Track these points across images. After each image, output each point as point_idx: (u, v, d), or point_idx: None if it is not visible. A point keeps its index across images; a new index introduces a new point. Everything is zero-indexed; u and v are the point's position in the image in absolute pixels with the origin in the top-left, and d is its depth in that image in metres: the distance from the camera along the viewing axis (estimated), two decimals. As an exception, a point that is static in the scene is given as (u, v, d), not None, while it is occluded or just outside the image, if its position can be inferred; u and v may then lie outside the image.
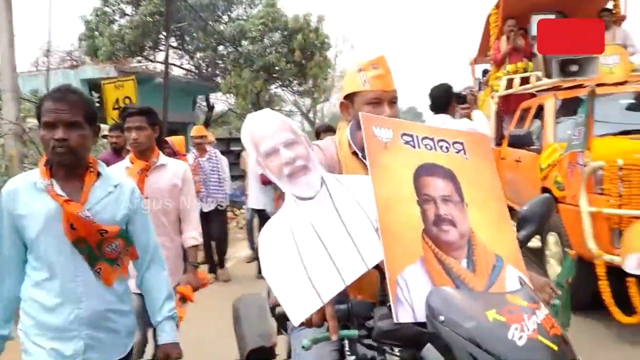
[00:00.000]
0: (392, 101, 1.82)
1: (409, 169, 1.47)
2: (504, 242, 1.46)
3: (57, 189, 1.83)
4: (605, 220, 3.68)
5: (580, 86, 5.73)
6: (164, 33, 17.87)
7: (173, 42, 19.78)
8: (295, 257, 1.44)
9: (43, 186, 1.83)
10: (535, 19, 5.65)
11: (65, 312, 1.84)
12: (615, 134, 4.72)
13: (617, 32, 6.91)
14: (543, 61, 5.86)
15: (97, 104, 4.27)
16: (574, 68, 5.51)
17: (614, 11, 7.27)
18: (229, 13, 21.43)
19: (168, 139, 5.34)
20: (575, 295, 4.25)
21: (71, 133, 1.78)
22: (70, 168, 1.87)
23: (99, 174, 1.93)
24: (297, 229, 1.48)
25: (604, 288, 3.69)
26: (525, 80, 6.57)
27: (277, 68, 18.99)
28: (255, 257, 7.49)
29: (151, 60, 20.11)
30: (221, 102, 22.91)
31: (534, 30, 5.72)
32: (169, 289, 2.13)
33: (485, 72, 8.41)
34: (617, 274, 3.62)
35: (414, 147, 1.53)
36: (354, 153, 1.83)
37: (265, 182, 6.40)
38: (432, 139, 1.57)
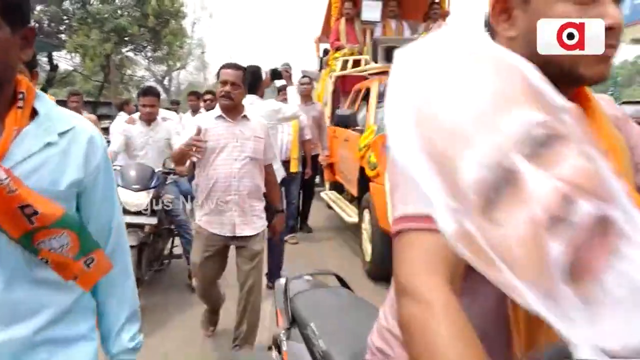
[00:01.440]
0: None
1: None
2: None
3: None
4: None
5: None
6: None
7: (8, -10, 17.57)
8: None
9: None
10: (365, 5, 5.81)
11: None
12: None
13: (442, 26, 7.36)
14: (372, 46, 6.05)
15: None
16: (397, 55, 5.76)
17: (440, 6, 7.74)
18: (77, -35, 19.48)
19: None
20: (378, 268, 4.58)
21: None
22: None
23: (34, 112, 1.10)
24: None
25: (401, 261, 3.93)
26: (358, 63, 6.79)
27: (129, 32, 17.79)
28: None
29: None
30: (65, 61, 20.95)
31: (364, 15, 5.89)
32: (132, 304, 1.32)
33: (326, 51, 8.54)
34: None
35: None
36: None
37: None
38: None
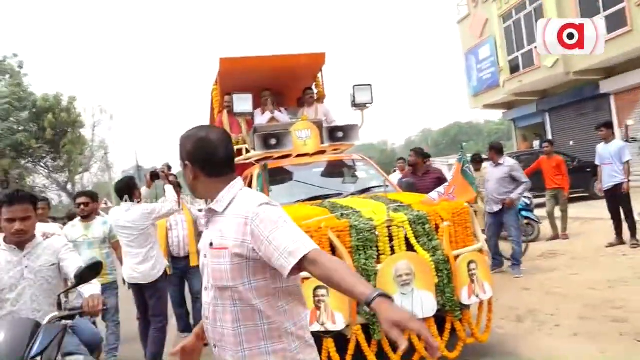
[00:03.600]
0: None
1: None
2: None
3: None
4: (284, 283, 3.70)
5: (287, 156, 6.04)
6: None
7: None
8: None
9: None
10: (235, 98, 5.80)
11: None
12: (304, 200, 4.99)
13: (319, 108, 7.52)
14: (253, 135, 6.03)
15: None
16: (273, 141, 5.77)
17: (317, 90, 7.93)
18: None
19: None
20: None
21: None
22: None
23: None
24: None
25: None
26: (242, 152, 6.71)
27: (26, 145, 16.92)
28: None
29: None
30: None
31: (236, 108, 5.86)
32: None
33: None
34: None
35: None
36: None
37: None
38: None
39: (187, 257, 5.93)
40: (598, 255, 7.49)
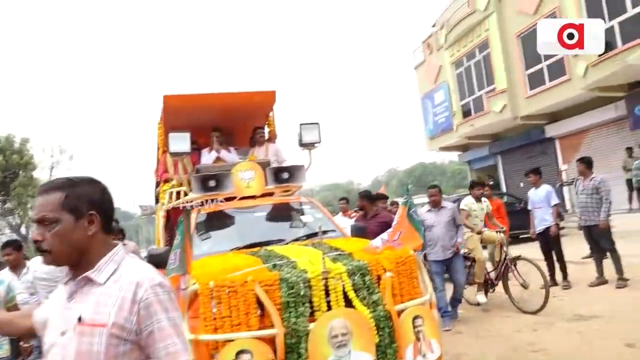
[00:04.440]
0: None
1: None
2: None
3: None
4: (205, 346, 3.11)
5: (231, 199, 5.51)
6: None
7: None
8: None
9: None
10: (171, 137, 5.25)
11: None
12: (241, 248, 4.43)
13: (269, 148, 7.09)
14: (191, 177, 5.49)
15: None
16: (212, 183, 5.24)
17: (269, 129, 7.51)
18: None
19: None
20: None
21: None
22: None
23: None
24: None
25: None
26: (185, 194, 6.13)
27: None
28: None
29: None
30: None
31: (171, 148, 5.29)
32: None
33: (158, 184, 7.82)
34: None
35: None
36: None
37: None
38: None
39: None
40: (532, 297, 7.24)
